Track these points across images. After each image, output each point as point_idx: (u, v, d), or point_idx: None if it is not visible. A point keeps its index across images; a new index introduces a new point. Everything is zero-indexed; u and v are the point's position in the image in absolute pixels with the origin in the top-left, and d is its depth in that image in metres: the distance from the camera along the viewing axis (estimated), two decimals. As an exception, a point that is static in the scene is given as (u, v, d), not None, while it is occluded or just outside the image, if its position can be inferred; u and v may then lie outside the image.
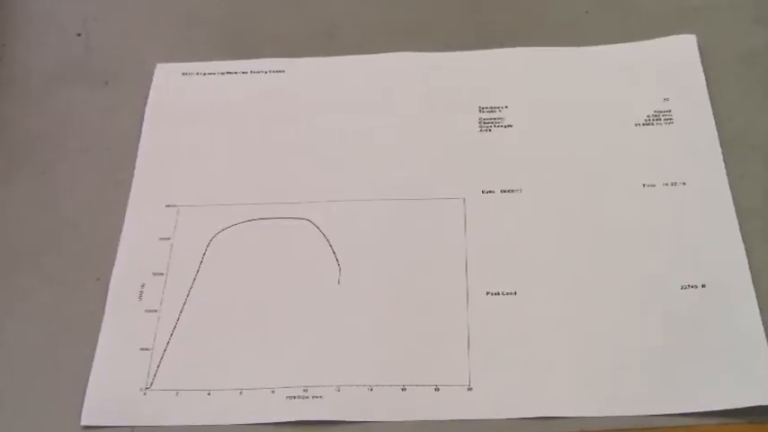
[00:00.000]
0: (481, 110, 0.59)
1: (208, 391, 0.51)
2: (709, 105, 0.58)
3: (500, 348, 0.51)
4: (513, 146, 0.58)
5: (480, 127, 0.59)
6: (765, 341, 0.50)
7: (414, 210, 0.56)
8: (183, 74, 0.63)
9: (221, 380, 0.51)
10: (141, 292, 0.54)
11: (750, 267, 0.52)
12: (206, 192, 0.58)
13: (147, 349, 0.52)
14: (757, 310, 0.51)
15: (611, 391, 0.49)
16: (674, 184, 0.55)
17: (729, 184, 0.55)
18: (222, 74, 0.63)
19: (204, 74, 0.63)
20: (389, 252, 0.55)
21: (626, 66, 0.60)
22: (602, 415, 0.49)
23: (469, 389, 0.50)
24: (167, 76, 0.63)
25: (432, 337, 0.52)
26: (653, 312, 0.51)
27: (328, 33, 0.64)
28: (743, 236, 0.53)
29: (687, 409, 0.48)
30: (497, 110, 0.59)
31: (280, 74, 0.62)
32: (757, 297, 0.51)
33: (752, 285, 0.51)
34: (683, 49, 0.60)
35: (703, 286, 0.52)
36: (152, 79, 0.63)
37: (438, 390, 0.50)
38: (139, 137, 0.60)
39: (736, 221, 0.54)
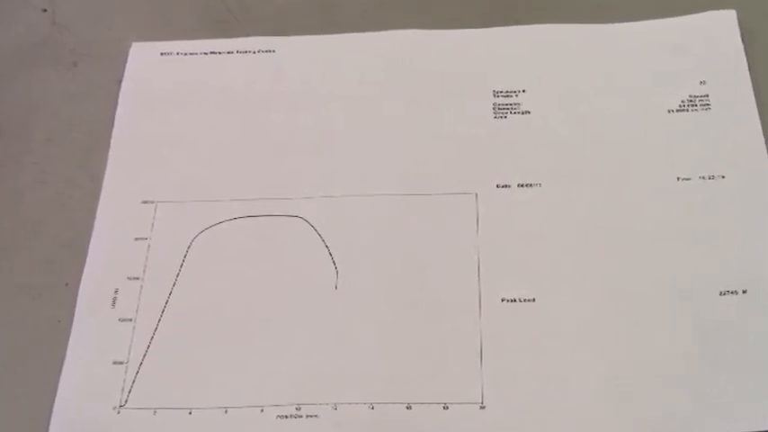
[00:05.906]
0: (496, 94, 0.59)
1: (189, 410, 0.51)
2: (751, 89, 0.58)
3: (516, 361, 0.51)
4: (532, 135, 0.58)
5: (495, 113, 0.59)
6: (814, 354, 0.50)
7: (420, 206, 0.56)
8: (162, 54, 0.63)
9: (204, 397, 0.51)
10: (114, 299, 0.54)
11: (797, 271, 0.52)
12: (187, 186, 0.58)
13: (120, 363, 0.52)
14: (805, 319, 0.51)
15: (640, 410, 0.49)
16: (711, 177, 0.55)
17: (773, 177, 0.55)
18: (205, 54, 0.63)
19: (185, 54, 0.63)
20: (392, 253, 0.55)
21: (657, 45, 0.60)
22: (631, 436, 0.49)
23: (482, 407, 0.50)
24: (144, 57, 0.63)
25: (440, 348, 0.52)
26: (688, 321, 0.51)
27: (324, 8, 0.64)
28: (788, 236, 0.53)
29: (726, 430, 0.48)
30: (514, 94, 0.59)
31: (270, 54, 0.62)
32: (805, 304, 0.51)
33: (798, 291, 0.51)
34: (721, 25, 0.60)
35: (744, 292, 0.52)
36: (127, 60, 0.63)
37: (447, 408, 0.50)
38: (113, 125, 0.60)
39: (780, 219, 0.54)
